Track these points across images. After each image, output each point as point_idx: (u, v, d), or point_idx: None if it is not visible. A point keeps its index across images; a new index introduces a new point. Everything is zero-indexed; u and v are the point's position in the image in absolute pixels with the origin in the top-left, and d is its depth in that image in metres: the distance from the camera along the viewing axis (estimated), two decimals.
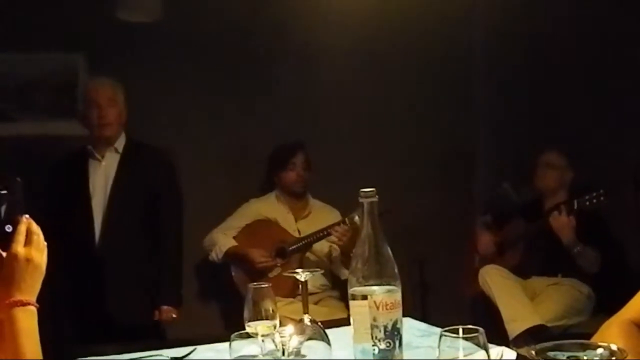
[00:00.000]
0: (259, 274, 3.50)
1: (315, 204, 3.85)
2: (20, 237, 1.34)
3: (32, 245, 1.34)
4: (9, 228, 1.33)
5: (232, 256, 3.65)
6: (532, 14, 4.06)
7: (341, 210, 3.74)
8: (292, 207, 3.80)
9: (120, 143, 3.31)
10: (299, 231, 3.73)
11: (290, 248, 3.63)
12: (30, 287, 1.33)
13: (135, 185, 3.26)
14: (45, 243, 1.38)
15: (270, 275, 3.55)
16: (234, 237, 3.71)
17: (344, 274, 3.59)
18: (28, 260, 1.32)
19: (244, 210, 3.79)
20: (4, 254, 1.32)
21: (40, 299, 1.35)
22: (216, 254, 3.66)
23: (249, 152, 4.02)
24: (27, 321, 1.30)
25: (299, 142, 3.78)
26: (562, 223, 3.45)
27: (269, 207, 3.79)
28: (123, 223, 3.23)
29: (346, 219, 3.49)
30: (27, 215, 1.36)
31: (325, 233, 3.55)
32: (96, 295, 3.18)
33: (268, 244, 3.65)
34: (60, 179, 3.33)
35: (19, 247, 1.33)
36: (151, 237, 3.25)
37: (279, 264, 3.60)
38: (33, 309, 1.32)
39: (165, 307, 3.21)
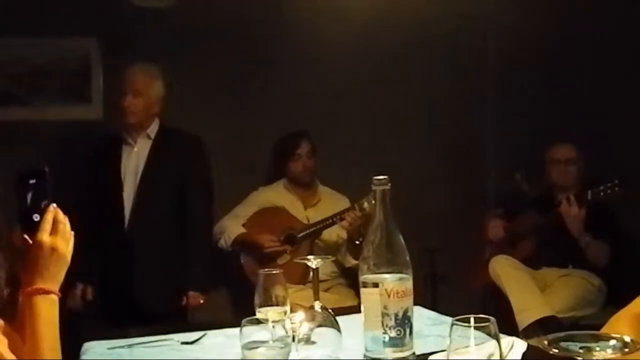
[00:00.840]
0: (269, 260, 3.51)
1: (324, 191, 3.84)
2: (47, 225, 1.34)
3: (58, 234, 1.35)
4: (36, 217, 1.34)
5: (240, 243, 3.66)
6: (542, 9, 4.04)
7: (351, 198, 3.74)
8: (300, 195, 3.79)
9: (153, 130, 3.33)
10: (308, 219, 3.73)
11: (299, 235, 3.64)
12: (54, 276, 1.34)
13: (165, 171, 3.28)
14: (72, 232, 1.38)
15: (280, 262, 3.56)
16: (243, 225, 3.71)
17: (349, 261, 3.62)
18: (53, 249, 1.33)
19: (253, 198, 3.79)
20: (30, 242, 1.33)
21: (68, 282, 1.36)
22: (225, 241, 3.66)
23: (257, 141, 4.01)
24: (47, 310, 1.31)
25: (303, 131, 3.75)
26: (572, 214, 3.43)
27: (277, 195, 3.79)
28: (152, 208, 3.26)
29: (356, 205, 3.49)
30: (54, 204, 1.37)
31: (334, 220, 3.56)
32: (123, 279, 3.22)
33: (277, 231, 3.65)
34: (94, 163, 3.39)
35: (45, 236, 1.33)
36: (181, 222, 3.25)
37: (287, 250, 3.61)
38: (55, 298, 1.33)
39: (192, 293, 3.22)
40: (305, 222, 3.71)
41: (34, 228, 1.34)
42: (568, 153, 3.69)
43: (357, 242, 3.53)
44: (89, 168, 3.39)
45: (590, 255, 3.45)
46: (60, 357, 1.32)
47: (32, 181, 1.35)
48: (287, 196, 3.78)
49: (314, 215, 3.72)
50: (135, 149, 3.31)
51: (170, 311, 3.18)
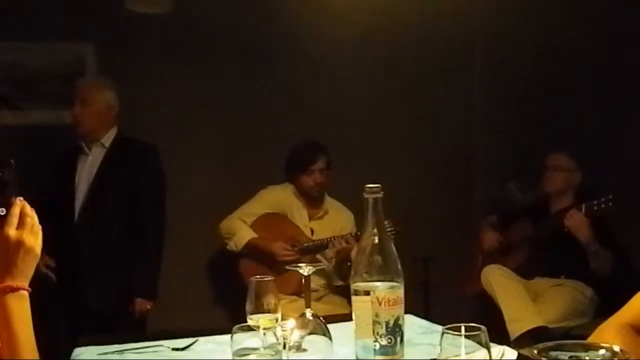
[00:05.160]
0: (272, 267, 3.48)
1: (331, 205, 3.77)
2: (13, 219, 1.31)
3: (25, 228, 1.32)
4: (2, 211, 1.30)
5: (252, 248, 3.62)
6: (539, 13, 4.06)
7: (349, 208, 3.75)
8: (307, 204, 3.74)
9: (108, 138, 3.36)
10: (312, 230, 3.70)
11: (303, 246, 3.61)
12: (22, 272, 1.31)
13: (116, 179, 3.30)
14: (40, 226, 1.35)
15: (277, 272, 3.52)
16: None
17: (336, 281, 3.63)
18: (20, 243, 1.30)
19: (262, 196, 3.74)
20: None
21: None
22: (235, 244, 3.63)
23: (252, 147, 4.02)
24: (19, 306, 1.29)
25: (320, 146, 3.68)
26: (579, 222, 3.41)
27: (286, 197, 3.73)
28: (100, 215, 3.27)
29: (359, 232, 3.46)
30: (20, 198, 1.33)
31: (336, 240, 3.54)
32: (68, 281, 3.25)
33: (280, 240, 3.61)
34: (53, 172, 3.43)
35: (11, 230, 1.30)
36: (131, 230, 3.26)
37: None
38: (24, 294, 1.31)
39: (138, 299, 3.24)
40: (309, 233, 3.68)
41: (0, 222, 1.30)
42: (557, 160, 3.71)
43: (348, 264, 3.53)
44: (50, 177, 3.42)
45: (595, 263, 3.43)
46: (37, 352, 1.30)
47: None
48: (295, 201, 3.73)
49: (318, 228, 3.69)
50: (90, 158, 3.34)
51: (120, 316, 3.18)
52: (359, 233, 3.49)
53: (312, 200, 3.74)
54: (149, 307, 3.26)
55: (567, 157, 3.70)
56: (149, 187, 3.32)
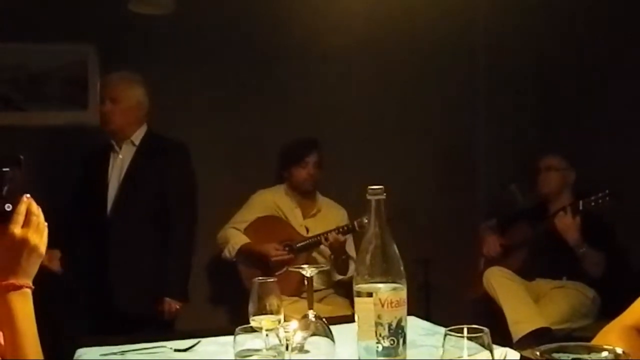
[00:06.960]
0: (268, 270, 3.48)
1: (323, 202, 3.82)
2: (19, 217, 1.31)
3: (31, 227, 1.31)
4: (8, 207, 1.30)
5: (246, 252, 3.62)
6: (535, 17, 4.06)
7: (347, 208, 3.75)
8: (300, 203, 3.78)
9: (138, 136, 3.33)
10: (307, 228, 3.71)
11: (297, 246, 3.62)
12: (25, 270, 1.31)
13: (146, 177, 3.27)
14: (46, 224, 1.35)
15: (277, 272, 3.53)
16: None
17: (335, 276, 3.65)
18: (24, 242, 1.30)
19: (254, 201, 3.76)
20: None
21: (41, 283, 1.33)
22: (229, 251, 3.64)
23: (257, 148, 4.02)
24: (22, 304, 1.29)
25: (314, 140, 3.75)
26: (567, 224, 3.44)
27: (277, 199, 3.76)
28: (130, 214, 3.24)
29: (355, 223, 3.49)
30: (27, 195, 1.32)
31: (326, 237, 3.55)
32: (99, 283, 3.21)
33: (275, 241, 3.62)
34: (85, 170, 3.41)
35: (16, 228, 1.30)
36: (161, 229, 3.23)
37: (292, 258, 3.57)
38: (28, 292, 1.31)
39: (168, 299, 3.20)
40: (304, 231, 3.70)
41: (5, 218, 1.29)
42: (549, 161, 3.73)
43: (343, 258, 3.58)
44: (80, 174, 3.40)
45: (586, 265, 3.44)
46: (40, 350, 1.30)
47: (5, 169, 1.30)
48: (287, 202, 3.76)
49: (313, 225, 3.70)
50: (120, 156, 3.32)
51: (148, 316, 3.16)
52: (350, 226, 3.52)
53: (305, 198, 3.77)
54: (178, 307, 3.22)
55: (558, 158, 3.73)
56: (179, 186, 3.29)
